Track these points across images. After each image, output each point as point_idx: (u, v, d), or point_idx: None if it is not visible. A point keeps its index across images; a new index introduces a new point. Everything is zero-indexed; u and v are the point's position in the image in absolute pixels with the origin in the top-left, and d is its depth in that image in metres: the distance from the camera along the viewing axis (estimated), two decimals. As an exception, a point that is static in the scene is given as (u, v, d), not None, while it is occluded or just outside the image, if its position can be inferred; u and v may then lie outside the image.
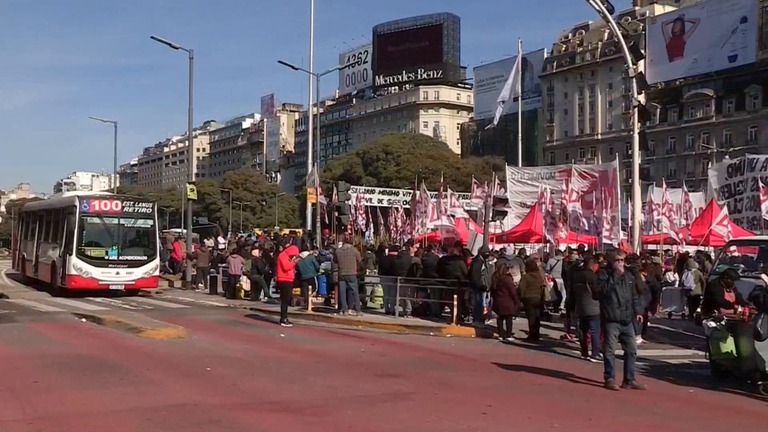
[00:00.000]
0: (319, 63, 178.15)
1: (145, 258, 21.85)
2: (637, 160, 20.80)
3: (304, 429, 7.40)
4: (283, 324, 15.91)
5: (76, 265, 20.61)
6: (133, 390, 8.84)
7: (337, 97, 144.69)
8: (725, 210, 23.38)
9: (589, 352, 12.57)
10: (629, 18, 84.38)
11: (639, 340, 14.58)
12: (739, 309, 11.20)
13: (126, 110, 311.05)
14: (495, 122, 39.12)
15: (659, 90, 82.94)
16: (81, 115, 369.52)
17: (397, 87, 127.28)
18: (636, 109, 20.01)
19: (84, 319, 15.98)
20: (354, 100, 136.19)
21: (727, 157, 35.94)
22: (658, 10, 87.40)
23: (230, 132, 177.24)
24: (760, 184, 23.07)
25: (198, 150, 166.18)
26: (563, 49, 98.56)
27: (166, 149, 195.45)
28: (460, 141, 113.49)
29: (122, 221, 21.68)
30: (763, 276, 12.56)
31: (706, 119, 78.79)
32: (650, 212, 26.01)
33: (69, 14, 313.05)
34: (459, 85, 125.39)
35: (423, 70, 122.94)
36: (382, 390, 9.34)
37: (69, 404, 7.99)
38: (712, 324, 11.08)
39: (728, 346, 10.44)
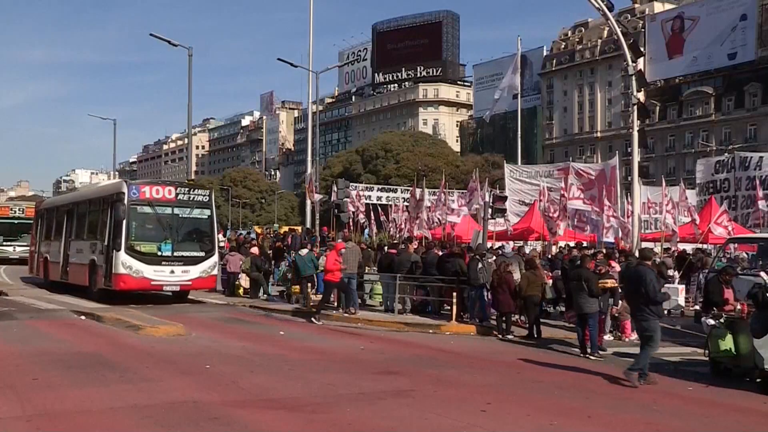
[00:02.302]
0: (318, 60, 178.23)
1: (202, 254, 18.97)
2: (636, 157, 20.81)
3: (304, 426, 7.40)
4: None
5: (125, 262, 17.74)
6: (132, 387, 8.84)
7: (336, 94, 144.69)
8: (724, 207, 23.43)
9: (588, 350, 12.58)
10: (629, 16, 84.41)
11: (634, 335, 14.66)
12: (738, 306, 11.22)
13: (125, 108, 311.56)
14: (487, 118, 39.22)
15: (659, 88, 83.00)
16: (80, 112, 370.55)
17: (396, 85, 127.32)
18: (635, 107, 20.01)
19: (83, 317, 15.97)
20: (353, 97, 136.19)
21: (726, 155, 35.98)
22: (658, 7, 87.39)
23: (229, 129, 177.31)
24: (757, 183, 23.11)
25: (197, 147, 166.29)
26: (563, 46, 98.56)
27: (165, 147, 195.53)
28: (459, 139, 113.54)
29: (176, 211, 18.78)
30: (762, 274, 12.60)
31: (706, 117, 78.83)
32: (647, 211, 26.04)
33: (67, 11, 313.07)
34: (458, 82, 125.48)
35: (422, 68, 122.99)
36: (382, 387, 9.34)
37: (68, 402, 7.99)
38: (711, 321, 11.10)
39: (727, 343, 10.46)
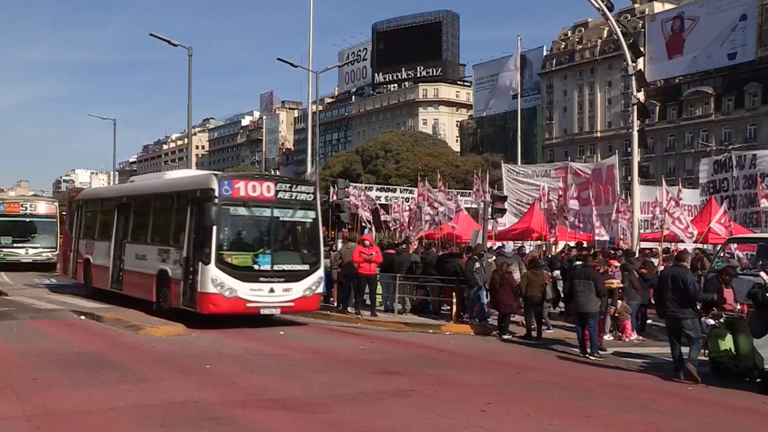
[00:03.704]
0: (318, 60, 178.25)
1: (306, 267, 15.13)
2: (636, 157, 20.83)
3: (303, 426, 7.41)
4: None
5: (216, 278, 13.91)
6: (132, 387, 8.84)
7: (336, 94, 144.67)
8: (724, 207, 23.44)
9: (588, 350, 12.59)
10: (629, 15, 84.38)
11: (634, 335, 14.69)
12: (738, 306, 11.23)
13: (125, 107, 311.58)
14: (483, 112, 39.48)
15: (658, 88, 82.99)
16: (80, 112, 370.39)
17: (396, 84, 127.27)
18: (635, 107, 20.03)
19: (83, 317, 15.96)
20: (353, 97, 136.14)
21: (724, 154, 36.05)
22: (658, 7, 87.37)
23: (229, 129, 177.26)
24: (759, 180, 23.13)
25: (197, 147, 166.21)
26: (562, 46, 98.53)
27: (165, 147, 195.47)
28: (459, 139, 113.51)
29: (276, 213, 14.96)
30: (762, 274, 12.61)
31: (706, 117, 78.79)
32: (647, 211, 26.09)
33: (67, 11, 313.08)
34: (458, 82, 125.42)
35: (422, 68, 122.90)
36: (381, 387, 9.35)
37: (68, 401, 7.98)
38: (711, 321, 11.11)
39: (727, 343, 10.48)
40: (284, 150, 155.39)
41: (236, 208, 14.58)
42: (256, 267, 14.49)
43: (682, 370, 10.60)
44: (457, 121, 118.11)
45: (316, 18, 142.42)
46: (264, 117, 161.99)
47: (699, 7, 78.19)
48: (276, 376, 9.98)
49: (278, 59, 33.67)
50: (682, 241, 22.96)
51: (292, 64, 34.42)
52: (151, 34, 28.82)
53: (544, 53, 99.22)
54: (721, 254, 18.31)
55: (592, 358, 12.30)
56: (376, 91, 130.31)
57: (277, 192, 14.99)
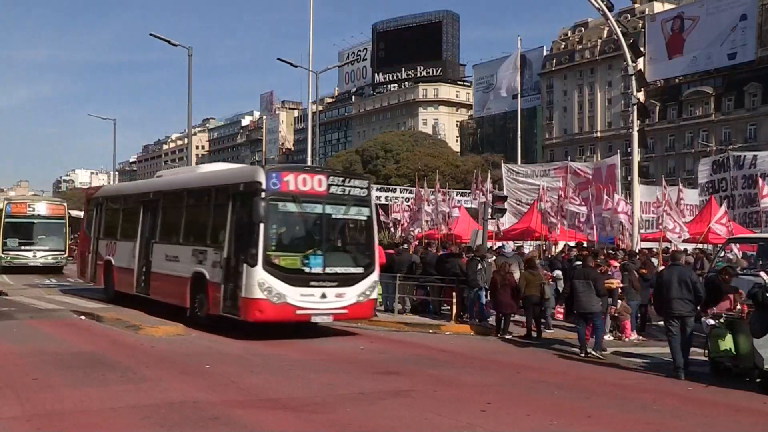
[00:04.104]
0: (318, 60, 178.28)
1: (360, 270, 13.80)
2: (636, 157, 20.82)
3: (303, 426, 7.40)
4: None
5: (263, 282, 12.57)
6: (132, 387, 8.83)
7: (336, 94, 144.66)
8: (724, 207, 23.44)
9: (588, 349, 12.60)
10: (629, 15, 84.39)
11: (634, 335, 14.70)
12: (738, 306, 11.24)
13: (125, 108, 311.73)
14: (482, 112, 39.46)
15: (658, 88, 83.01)
16: (80, 112, 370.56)
17: (396, 84, 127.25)
18: (635, 107, 20.03)
19: (83, 317, 15.95)
20: (353, 97, 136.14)
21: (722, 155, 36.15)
22: (658, 7, 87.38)
23: (229, 129, 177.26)
24: (760, 180, 23.13)
25: (197, 147, 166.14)
26: (562, 46, 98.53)
27: (165, 147, 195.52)
28: (459, 139, 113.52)
29: (328, 209, 13.53)
30: (762, 274, 12.61)
31: (706, 117, 78.80)
32: (648, 210, 26.14)
33: (67, 10, 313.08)
34: (458, 82, 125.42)
35: (422, 68, 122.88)
36: (381, 387, 9.35)
37: (68, 402, 7.98)
38: (711, 321, 11.11)
39: (727, 343, 10.48)
40: (284, 150, 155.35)
41: (285, 203, 13.13)
42: (306, 270, 13.08)
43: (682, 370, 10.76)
44: (457, 121, 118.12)
45: (316, 18, 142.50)
46: (264, 117, 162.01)
47: (699, 7, 78.19)
48: (276, 376, 9.97)
49: (278, 59, 33.78)
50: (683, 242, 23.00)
51: (292, 64, 34.47)
52: (151, 34, 28.86)
53: (544, 53, 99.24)
54: (721, 254, 18.31)
55: (595, 354, 12.30)
56: (376, 91, 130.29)
57: (329, 186, 13.53)
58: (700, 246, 23.84)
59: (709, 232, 22.20)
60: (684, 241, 23.05)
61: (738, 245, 19.78)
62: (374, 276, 14.02)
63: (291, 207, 13.27)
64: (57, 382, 9.05)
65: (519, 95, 46.46)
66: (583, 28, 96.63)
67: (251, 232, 12.73)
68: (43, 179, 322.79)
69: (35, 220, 29.70)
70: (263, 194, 12.74)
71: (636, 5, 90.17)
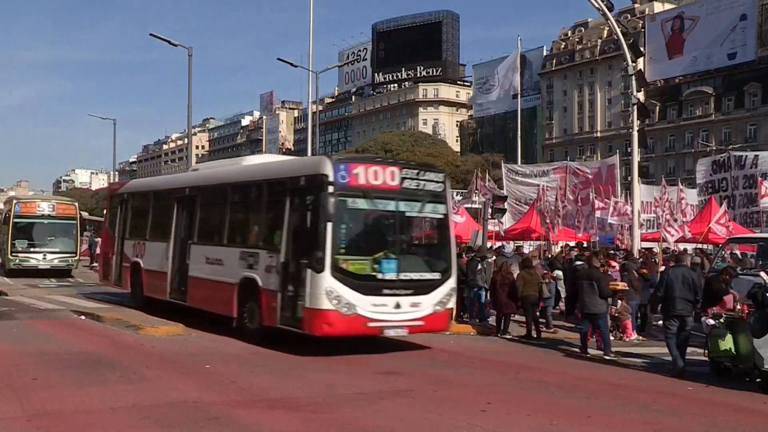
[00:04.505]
0: (318, 60, 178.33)
1: (436, 276, 12.22)
2: (636, 157, 20.81)
3: (303, 426, 7.40)
4: None
5: (331, 290, 11.02)
6: (132, 387, 8.83)
7: (336, 94, 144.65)
8: (724, 207, 23.45)
9: (589, 350, 12.63)
10: (629, 15, 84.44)
11: (634, 335, 14.71)
12: (738, 306, 11.24)
13: (125, 107, 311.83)
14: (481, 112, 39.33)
15: (658, 88, 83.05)
16: (80, 112, 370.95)
17: (396, 84, 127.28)
18: (635, 107, 20.01)
19: (83, 317, 15.93)
20: (353, 97, 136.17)
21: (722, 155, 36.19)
22: (658, 7, 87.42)
23: (229, 129, 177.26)
24: (759, 179, 23.14)
25: (197, 147, 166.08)
26: (562, 46, 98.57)
27: (165, 147, 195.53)
28: (459, 139, 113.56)
29: (401, 206, 11.96)
30: (762, 274, 12.62)
31: (706, 117, 78.85)
32: (648, 210, 26.17)
33: (67, 10, 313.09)
34: (458, 82, 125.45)
35: (422, 68, 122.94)
36: (381, 387, 9.34)
37: (68, 401, 7.98)
38: (711, 321, 11.13)
39: (727, 343, 10.49)
40: (284, 150, 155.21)
41: (355, 199, 11.48)
42: (379, 276, 11.45)
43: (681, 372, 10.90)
44: (457, 121, 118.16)
45: (316, 18, 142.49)
46: (264, 117, 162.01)
47: (699, 7, 78.22)
48: (276, 376, 9.97)
49: (278, 59, 33.80)
50: (683, 241, 23.02)
51: (292, 64, 34.48)
52: (151, 34, 28.86)
53: (544, 53, 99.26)
54: (721, 254, 18.32)
55: (607, 357, 12.37)
56: (376, 91, 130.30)
57: (402, 179, 11.88)
58: (700, 246, 23.84)
59: (709, 232, 22.20)
60: (684, 241, 23.09)
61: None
62: (452, 282, 12.40)
63: (361, 203, 11.58)
64: (57, 382, 9.04)
65: (519, 95, 46.48)
66: (583, 28, 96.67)
67: (316, 232, 11.20)
68: (43, 179, 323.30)
69: (45, 221, 27.98)
70: (330, 188, 11.10)
71: (636, 5, 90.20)
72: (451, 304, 12.50)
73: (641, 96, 21.24)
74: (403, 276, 11.65)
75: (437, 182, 12.42)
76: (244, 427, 7.26)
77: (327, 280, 10.99)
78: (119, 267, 18.35)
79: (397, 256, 11.73)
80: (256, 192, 13.59)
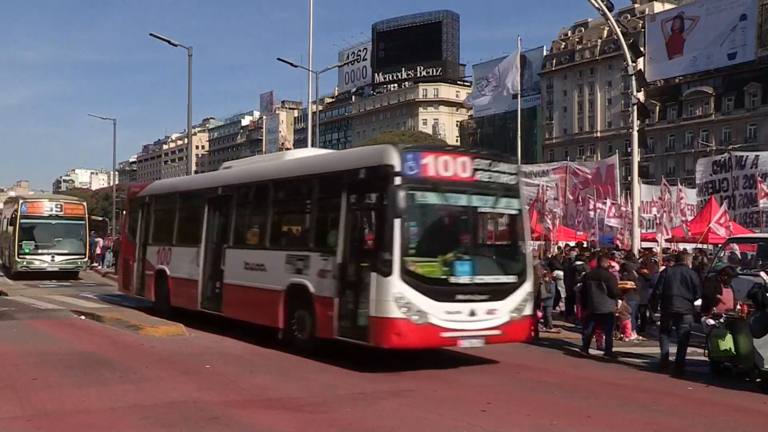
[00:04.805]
0: (318, 60, 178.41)
1: (512, 279, 10.96)
2: (636, 157, 20.80)
3: (303, 426, 7.40)
4: None
5: (401, 296, 9.78)
6: (132, 387, 8.83)
7: (336, 94, 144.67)
8: (725, 207, 23.45)
9: (589, 350, 12.65)
10: (629, 15, 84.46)
11: (634, 335, 14.70)
12: (738, 306, 11.25)
13: (125, 107, 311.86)
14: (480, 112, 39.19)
15: (658, 88, 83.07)
16: (80, 112, 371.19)
17: (396, 84, 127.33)
18: (635, 107, 20.00)
19: (83, 317, 15.94)
20: (353, 97, 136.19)
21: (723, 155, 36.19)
22: (658, 7, 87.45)
23: (229, 129, 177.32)
24: (759, 179, 23.15)
25: (197, 147, 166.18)
26: (562, 46, 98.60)
27: (165, 147, 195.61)
28: (459, 139, 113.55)
29: (474, 201, 10.79)
30: (762, 274, 12.63)
31: (706, 117, 78.86)
32: (649, 210, 26.18)
33: (67, 10, 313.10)
34: (458, 82, 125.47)
35: (422, 68, 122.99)
36: (381, 388, 9.34)
37: (68, 401, 7.98)
38: (711, 321, 11.14)
39: (727, 343, 10.49)
40: (284, 150, 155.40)
41: (425, 193, 10.24)
42: (452, 279, 10.21)
43: (669, 367, 11.14)
44: (457, 121, 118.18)
45: (316, 18, 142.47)
46: (264, 117, 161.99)
47: (699, 7, 78.22)
48: (276, 376, 9.97)
49: (278, 59, 33.72)
50: (683, 241, 23.02)
51: (292, 64, 34.44)
52: (151, 34, 28.78)
53: (544, 53, 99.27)
54: (721, 254, 18.32)
55: (609, 357, 12.39)
56: (376, 91, 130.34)
57: (474, 171, 10.63)
58: (699, 246, 23.84)
59: (709, 232, 22.19)
60: (684, 241, 23.11)
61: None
62: (528, 286, 11.08)
63: (431, 198, 10.40)
64: (57, 382, 9.05)
65: (519, 95, 46.39)
66: (583, 28, 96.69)
67: (381, 231, 10.06)
68: (43, 179, 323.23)
69: (53, 221, 27.21)
70: (398, 181, 9.89)
71: (636, 5, 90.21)
72: (528, 311, 11.15)
73: (641, 96, 21.23)
74: (477, 279, 10.44)
75: (511, 174, 11.21)
76: (244, 427, 7.26)
77: (396, 285, 9.77)
78: (142, 275, 17.19)
79: (471, 256, 10.60)
80: (305, 188, 12.45)
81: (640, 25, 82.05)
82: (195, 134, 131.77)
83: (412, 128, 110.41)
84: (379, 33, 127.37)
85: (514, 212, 11.32)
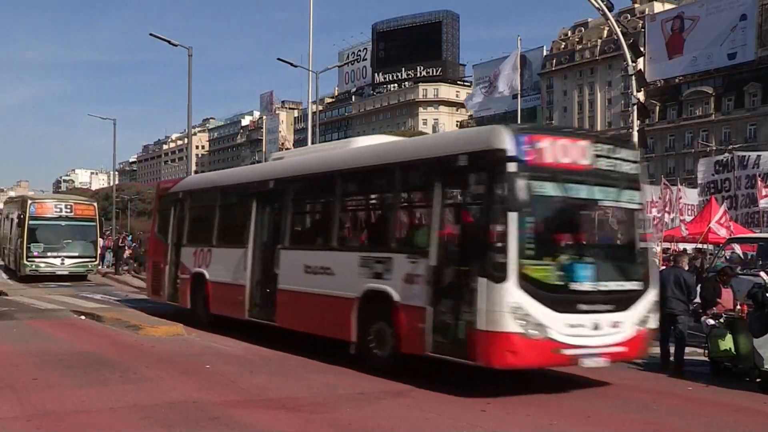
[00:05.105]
0: (318, 60, 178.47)
1: (637, 286, 9.40)
2: (636, 157, 20.81)
3: (303, 426, 7.40)
4: None
5: (517, 306, 8.28)
6: (132, 387, 8.83)
7: (336, 94, 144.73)
8: (725, 207, 23.43)
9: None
10: (629, 15, 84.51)
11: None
12: (737, 306, 11.26)
13: (125, 107, 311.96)
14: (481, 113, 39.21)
15: (658, 88, 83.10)
16: (80, 112, 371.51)
17: (396, 84, 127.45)
18: (635, 107, 20.03)
19: (83, 317, 15.94)
20: (353, 97, 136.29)
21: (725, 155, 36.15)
22: (658, 7, 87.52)
23: (229, 129, 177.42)
24: (759, 180, 23.14)
25: (197, 147, 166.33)
26: (562, 46, 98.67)
27: (165, 147, 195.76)
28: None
29: (595, 193, 9.20)
30: (762, 274, 12.62)
31: (706, 117, 78.89)
32: (649, 210, 26.17)
33: (67, 10, 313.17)
34: (458, 82, 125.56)
35: (422, 68, 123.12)
36: (382, 388, 9.33)
37: (68, 401, 7.98)
38: (711, 321, 11.14)
39: (727, 343, 10.50)
40: (284, 150, 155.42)
41: (542, 183, 8.61)
42: (572, 286, 8.67)
43: (669, 367, 11.18)
44: (457, 121, 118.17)
45: (316, 18, 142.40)
46: (264, 117, 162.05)
47: (699, 7, 78.28)
48: (276, 376, 9.97)
49: (278, 59, 33.71)
50: (683, 241, 22.98)
51: (292, 64, 34.44)
52: (151, 34, 28.75)
53: (544, 53, 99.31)
54: (721, 254, 18.30)
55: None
56: (376, 91, 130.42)
57: (594, 157, 9.08)
58: (699, 246, 23.82)
59: (709, 232, 22.17)
60: (684, 241, 23.07)
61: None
62: (653, 294, 9.54)
63: (549, 189, 8.70)
64: (57, 382, 9.04)
65: (519, 95, 46.47)
66: (583, 28, 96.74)
67: (492, 228, 8.37)
68: (43, 179, 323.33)
69: (63, 222, 26.15)
70: (512, 167, 8.35)
71: (636, 5, 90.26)
72: (653, 323, 9.61)
73: (641, 96, 21.26)
74: (602, 286, 8.90)
75: (633, 162, 9.59)
76: (244, 427, 7.26)
77: (512, 293, 8.22)
78: (174, 279, 15.66)
79: (594, 259, 9.10)
80: (384, 180, 10.77)
81: (640, 25, 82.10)
82: (195, 134, 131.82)
83: (412, 128, 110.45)
84: (379, 33, 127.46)
85: (635, 207, 9.63)
